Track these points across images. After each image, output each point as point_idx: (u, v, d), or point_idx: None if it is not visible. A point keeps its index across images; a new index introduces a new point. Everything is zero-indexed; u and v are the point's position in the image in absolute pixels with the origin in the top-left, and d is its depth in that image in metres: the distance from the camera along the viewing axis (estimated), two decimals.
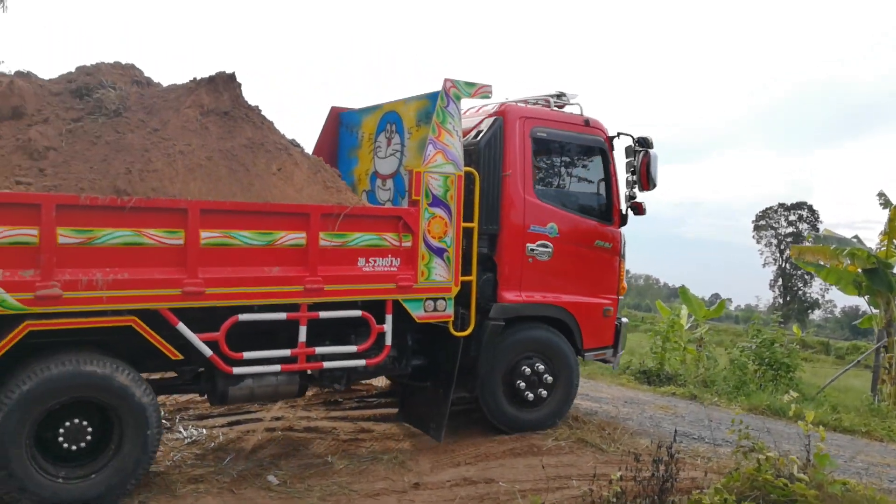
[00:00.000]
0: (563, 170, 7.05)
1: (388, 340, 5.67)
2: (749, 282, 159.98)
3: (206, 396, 5.76)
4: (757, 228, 64.43)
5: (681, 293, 14.91)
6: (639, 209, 7.10)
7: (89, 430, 4.63)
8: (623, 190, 7.08)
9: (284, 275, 5.13)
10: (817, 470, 3.97)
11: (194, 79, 5.67)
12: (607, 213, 7.01)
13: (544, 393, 6.61)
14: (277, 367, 5.26)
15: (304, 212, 5.18)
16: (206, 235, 4.81)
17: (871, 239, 17.00)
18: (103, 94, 5.33)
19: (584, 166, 7.08)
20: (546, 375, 6.63)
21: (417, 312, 5.77)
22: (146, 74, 5.91)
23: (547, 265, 6.56)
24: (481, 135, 6.35)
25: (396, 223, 5.63)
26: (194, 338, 4.86)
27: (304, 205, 5.23)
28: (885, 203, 12.26)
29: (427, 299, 5.80)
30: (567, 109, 7.07)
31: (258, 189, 5.18)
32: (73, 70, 5.74)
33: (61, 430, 4.54)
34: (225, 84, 5.59)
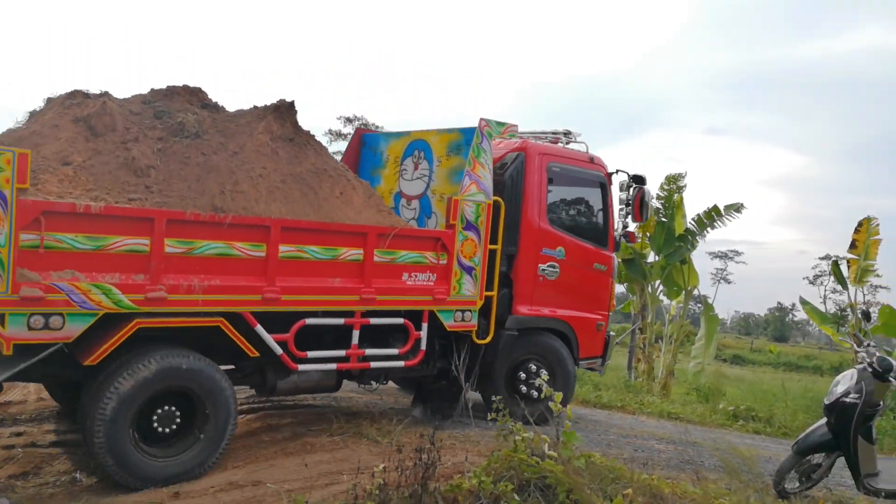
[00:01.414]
0: (570, 200, 7.99)
1: (424, 345, 6.48)
2: None
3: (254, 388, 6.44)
4: None
5: None
6: (630, 237, 8.12)
7: (178, 415, 5.27)
8: (617, 220, 8.06)
9: (344, 285, 5.88)
10: (565, 447, 4.11)
11: (258, 105, 6.38)
12: (604, 239, 7.98)
13: (535, 394, 7.47)
14: (334, 366, 5.99)
15: (363, 231, 5.94)
16: (284, 249, 5.52)
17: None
18: (183, 117, 5.96)
19: (587, 198, 8.03)
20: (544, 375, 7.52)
21: (448, 322, 6.60)
22: (211, 98, 6.54)
23: (554, 283, 7.49)
24: (506, 167, 7.22)
25: (436, 243, 6.45)
26: (269, 338, 5.56)
27: (363, 225, 5.99)
28: None
29: (457, 311, 6.63)
30: (572, 146, 8.02)
31: (325, 210, 5.92)
32: (146, 92, 6.32)
33: (155, 416, 5.17)
34: (287, 111, 6.30)
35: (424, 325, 6.47)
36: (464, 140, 6.92)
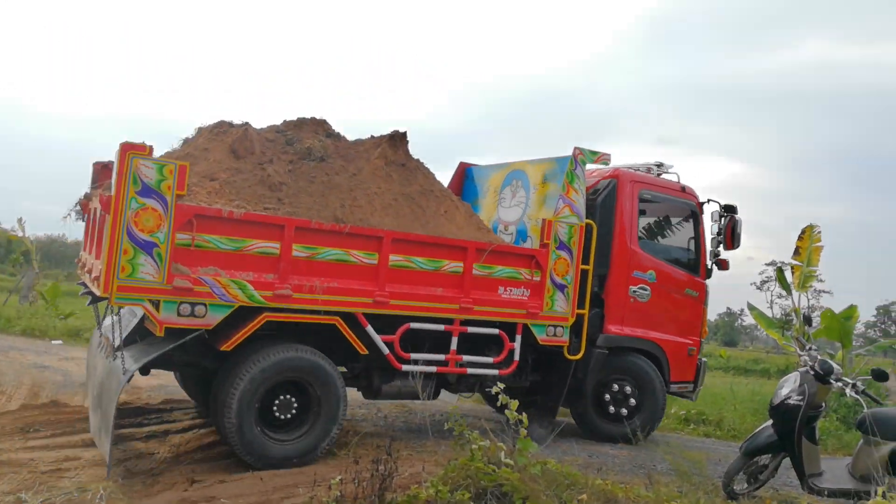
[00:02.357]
0: (662, 227, 8.28)
1: (517, 356, 6.90)
2: None
3: (360, 391, 7.02)
4: None
5: None
6: (723, 265, 8.28)
7: (295, 404, 5.92)
8: (709, 247, 8.25)
9: (445, 294, 6.43)
10: (521, 454, 4.10)
11: (374, 136, 7.13)
12: (696, 266, 8.19)
13: (624, 412, 7.67)
14: (433, 369, 6.51)
15: (463, 245, 6.50)
16: (394, 258, 6.15)
17: None
18: (310, 143, 6.78)
19: (678, 225, 8.30)
20: (631, 399, 7.72)
21: (541, 336, 7.00)
22: (335, 129, 7.35)
23: (645, 306, 7.75)
24: (598, 193, 7.64)
25: (530, 261, 6.92)
26: (378, 338, 6.16)
27: (464, 240, 6.55)
28: None
29: (549, 326, 7.03)
30: (665, 177, 8.34)
31: (431, 226, 6.54)
32: (278, 123, 7.21)
33: (276, 404, 5.83)
34: (400, 140, 7.02)
35: (518, 338, 6.89)
36: (558, 168, 7.40)
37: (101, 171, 6.75)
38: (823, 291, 36.33)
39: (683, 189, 8.18)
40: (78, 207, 6.86)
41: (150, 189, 5.19)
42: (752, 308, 13.09)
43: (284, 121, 7.19)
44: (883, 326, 58.25)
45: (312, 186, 6.30)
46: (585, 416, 7.70)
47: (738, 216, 8.14)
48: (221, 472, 5.64)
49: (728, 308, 66.15)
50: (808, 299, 13.12)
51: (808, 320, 6.02)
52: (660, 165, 8.37)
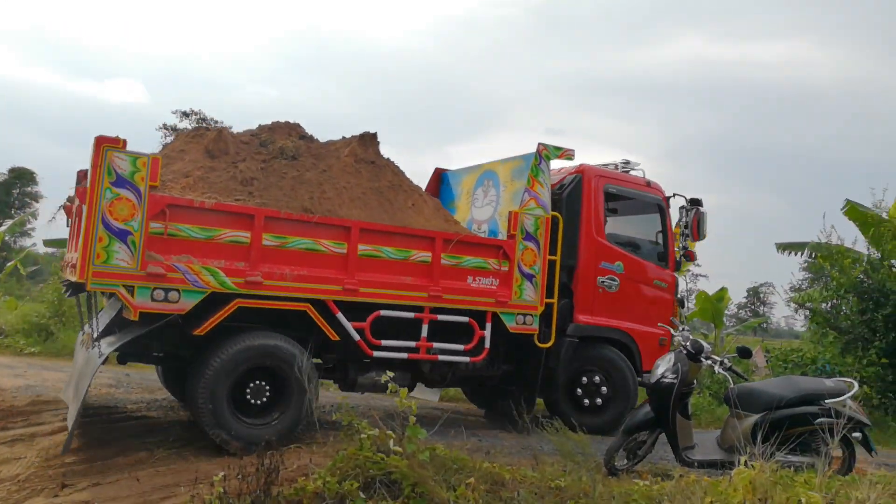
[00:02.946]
0: (627, 219, 8.54)
1: (487, 344, 7.09)
2: None
3: (337, 384, 7.20)
4: None
5: None
6: (690, 257, 8.52)
7: (268, 389, 6.10)
8: (677, 240, 8.50)
9: (415, 283, 6.66)
10: (410, 441, 4.08)
11: (345, 137, 7.44)
12: (664, 257, 8.42)
13: (599, 401, 7.82)
14: (405, 355, 6.70)
15: (431, 236, 6.75)
16: (362, 248, 6.39)
17: None
18: (283, 143, 7.08)
19: (645, 219, 8.55)
20: (603, 387, 7.88)
21: (510, 324, 7.21)
22: (307, 131, 7.67)
23: (614, 296, 7.97)
24: (564, 188, 7.92)
25: (497, 251, 7.16)
26: (348, 325, 6.37)
27: (431, 231, 6.81)
28: None
29: (518, 314, 7.24)
30: (632, 173, 8.62)
31: (399, 218, 6.80)
32: (253, 127, 7.53)
33: (248, 390, 6.02)
34: (370, 140, 7.32)
35: (488, 325, 7.10)
36: (525, 164, 7.69)
37: (84, 176, 7.03)
38: (700, 275, 37.53)
39: (649, 184, 8.46)
40: (62, 211, 7.15)
41: (124, 180, 5.47)
42: None
43: (259, 125, 7.51)
44: (752, 307, 60.28)
45: (283, 181, 6.58)
46: (558, 407, 7.83)
47: (703, 209, 8.39)
48: (96, 474, 5.36)
49: None
50: (687, 283, 13.59)
51: (681, 303, 6.38)
52: (626, 163, 8.66)
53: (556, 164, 8.07)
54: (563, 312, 7.70)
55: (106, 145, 5.43)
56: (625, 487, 4.26)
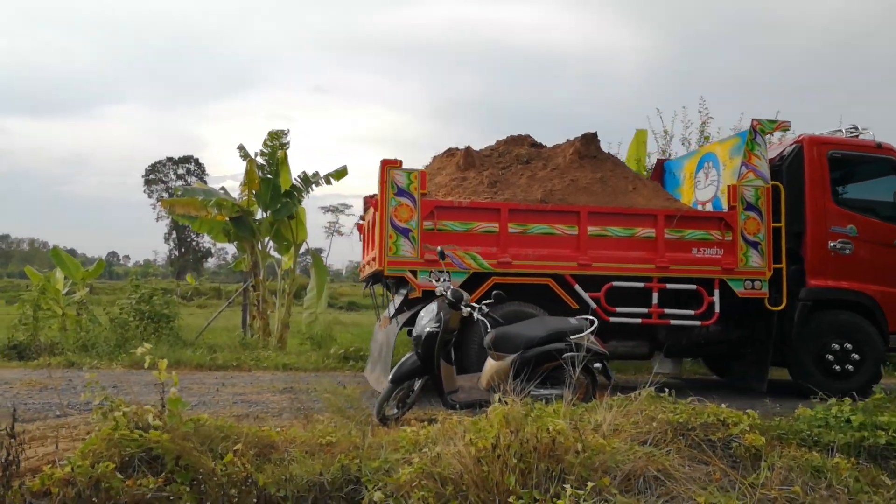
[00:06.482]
0: (861, 184, 8.53)
1: (717, 308, 7.68)
2: (145, 237, 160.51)
3: None
4: (148, 183, 64.74)
5: (52, 256, 14.22)
6: None
7: None
8: None
9: (641, 256, 7.54)
10: (172, 414, 3.85)
11: (570, 139, 8.60)
12: None
13: (850, 368, 7.88)
14: (639, 321, 7.58)
15: (653, 213, 7.60)
16: (591, 229, 7.46)
17: (238, 189, 15.36)
18: (517, 152, 8.46)
19: (878, 180, 8.48)
20: (853, 354, 7.94)
21: (739, 289, 7.73)
22: (535, 139, 8.97)
23: (848, 259, 8.05)
24: (784, 159, 8.26)
25: (720, 223, 7.77)
26: (585, 295, 7.44)
27: (653, 209, 7.66)
28: (245, 156, 12.66)
29: (746, 280, 7.73)
30: (861, 138, 8.62)
31: (621, 201, 7.77)
32: (492, 144, 9.01)
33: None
34: (591, 139, 8.42)
35: (716, 292, 7.70)
36: (741, 141, 8.20)
37: (367, 200, 9.04)
38: None
39: (879, 146, 8.39)
40: (356, 229, 9.23)
41: (402, 190, 7.17)
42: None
43: (497, 140, 8.98)
44: None
45: (520, 181, 7.93)
46: (803, 373, 8.01)
47: None
48: None
49: None
50: None
51: (441, 255, 6.36)
52: (854, 129, 8.67)
53: (777, 137, 8.43)
54: (794, 277, 7.98)
55: (388, 165, 7.18)
56: (394, 436, 4.26)
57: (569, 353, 5.14)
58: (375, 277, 8.11)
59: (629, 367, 9.71)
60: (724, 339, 8.10)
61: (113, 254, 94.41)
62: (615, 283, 7.53)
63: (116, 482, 3.35)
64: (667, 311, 7.64)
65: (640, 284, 7.59)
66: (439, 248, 6.35)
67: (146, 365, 4.08)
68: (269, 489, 3.50)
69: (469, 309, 5.65)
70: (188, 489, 3.43)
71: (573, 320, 5.64)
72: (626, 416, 4.05)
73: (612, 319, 7.52)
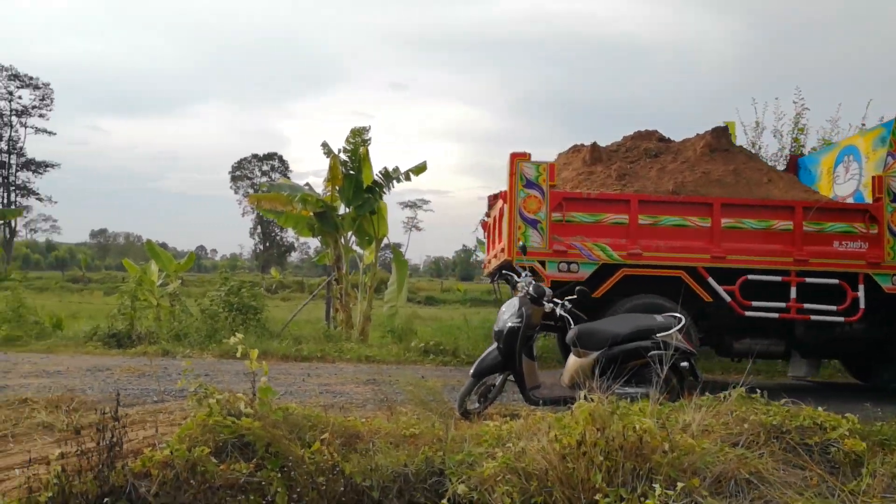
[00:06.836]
0: None
1: (862, 304, 7.32)
2: (232, 231, 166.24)
3: (715, 349, 8.07)
4: (234, 179, 66.94)
5: (147, 249, 14.53)
6: None
7: None
8: None
9: (778, 249, 7.32)
10: (262, 402, 3.93)
11: (699, 133, 8.48)
12: None
13: None
14: (776, 315, 7.34)
15: (790, 205, 7.36)
16: (725, 221, 7.32)
17: (321, 185, 13.99)
18: (646, 146, 8.43)
19: None
20: None
21: (886, 285, 7.34)
22: (663, 134, 8.90)
23: None
24: None
25: (864, 215, 7.42)
26: (719, 288, 7.29)
27: (790, 201, 7.42)
28: (328, 152, 12.68)
29: (894, 275, 7.33)
30: None
31: (756, 193, 7.59)
32: (618, 139, 9.02)
33: None
34: (721, 132, 8.27)
35: (861, 287, 7.34)
36: (885, 131, 7.81)
37: (491, 198, 9.25)
38: None
39: None
40: (480, 227, 9.47)
41: (531, 182, 7.32)
42: (480, 243, 12.70)
43: (623, 136, 8.98)
44: None
45: (650, 173, 7.90)
46: None
47: None
48: None
49: (464, 245, 71.24)
50: None
51: (523, 250, 6.14)
52: None
53: None
54: None
55: (517, 158, 7.36)
56: (476, 430, 4.26)
57: (655, 351, 5.07)
58: (501, 271, 8.29)
59: (716, 366, 9.44)
60: (869, 338, 7.70)
61: (201, 247, 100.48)
62: (750, 277, 7.34)
63: (211, 466, 3.47)
64: (807, 305, 7.36)
65: (778, 278, 7.36)
66: (521, 243, 6.55)
67: (238, 354, 4.18)
68: (355, 478, 3.58)
69: (551, 304, 5.62)
70: (278, 475, 3.53)
71: (660, 318, 5.56)
72: (716, 416, 4.02)
73: (748, 313, 7.33)
